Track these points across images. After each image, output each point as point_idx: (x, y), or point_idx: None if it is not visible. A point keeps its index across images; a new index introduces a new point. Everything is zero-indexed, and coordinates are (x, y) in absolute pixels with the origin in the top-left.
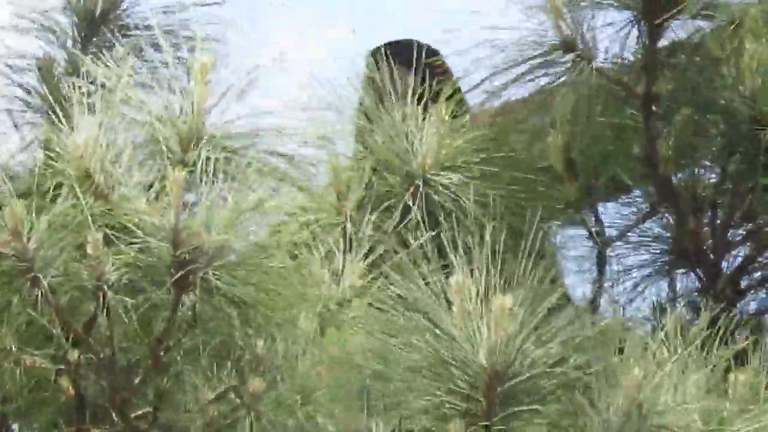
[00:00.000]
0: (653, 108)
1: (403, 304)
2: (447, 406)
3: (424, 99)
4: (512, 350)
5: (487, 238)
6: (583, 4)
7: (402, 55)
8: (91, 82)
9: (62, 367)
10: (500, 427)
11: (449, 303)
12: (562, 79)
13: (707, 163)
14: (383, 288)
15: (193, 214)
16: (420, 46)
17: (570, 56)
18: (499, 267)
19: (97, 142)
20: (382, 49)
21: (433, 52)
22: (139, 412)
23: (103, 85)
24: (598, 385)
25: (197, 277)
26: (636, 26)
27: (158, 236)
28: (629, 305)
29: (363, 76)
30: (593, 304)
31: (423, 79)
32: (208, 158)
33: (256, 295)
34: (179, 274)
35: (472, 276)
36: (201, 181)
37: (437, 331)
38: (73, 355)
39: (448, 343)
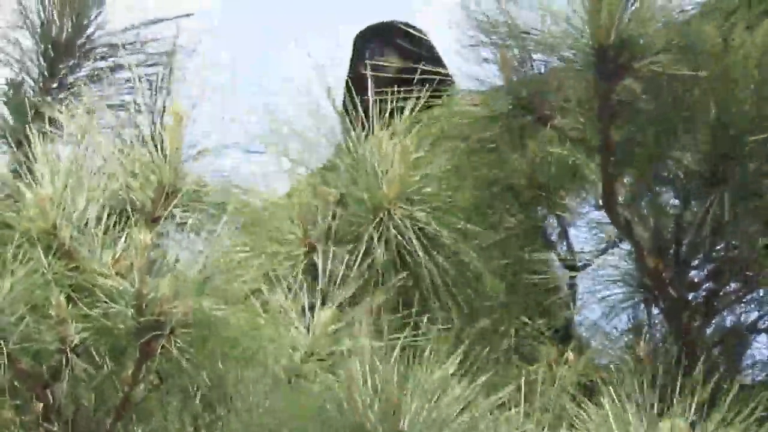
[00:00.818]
0: (609, 157)
1: None
2: None
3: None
4: None
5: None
6: (535, 57)
7: (388, 37)
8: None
9: (25, 417)
10: None
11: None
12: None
13: (667, 202)
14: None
15: (162, 274)
16: (406, 27)
17: (528, 117)
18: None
19: (63, 196)
20: (366, 33)
21: (419, 33)
22: None
23: (69, 132)
24: None
25: (159, 343)
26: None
27: (122, 302)
28: (604, 329)
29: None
30: (567, 331)
31: (407, 58)
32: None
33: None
34: (144, 339)
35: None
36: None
37: None
38: (37, 408)
39: None
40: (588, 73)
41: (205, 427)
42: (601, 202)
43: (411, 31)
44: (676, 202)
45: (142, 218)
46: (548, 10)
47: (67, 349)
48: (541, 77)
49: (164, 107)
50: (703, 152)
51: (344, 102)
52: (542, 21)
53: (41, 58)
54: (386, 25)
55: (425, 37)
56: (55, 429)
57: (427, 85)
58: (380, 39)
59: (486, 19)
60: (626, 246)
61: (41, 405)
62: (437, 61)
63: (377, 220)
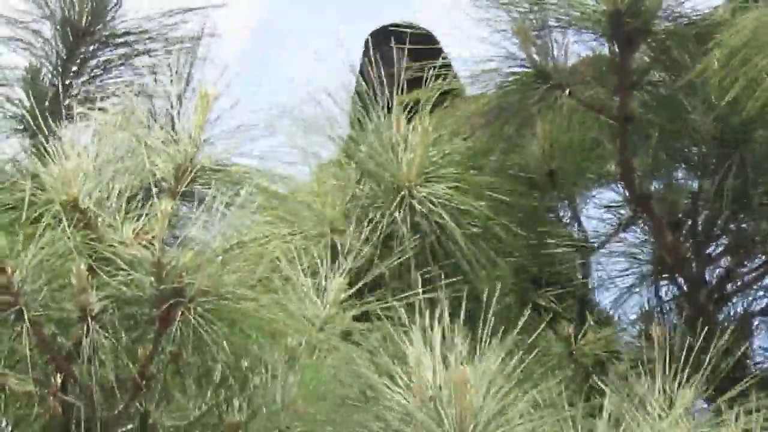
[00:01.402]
0: (627, 128)
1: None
2: None
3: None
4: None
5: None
6: (552, 24)
7: (398, 37)
8: (80, 103)
9: (47, 390)
10: None
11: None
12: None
13: (683, 178)
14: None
15: (184, 249)
16: (415, 28)
17: (544, 86)
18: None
19: (87, 170)
20: (380, 33)
21: (428, 35)
22: (123, 430)
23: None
24: None
25: (178, 312)
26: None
27: (141, 270)
28: (615, 313)
29: (354, 84)
30: (580, 314)
31: (417, 60)
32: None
33: (236, 330)
34: (161, 309)
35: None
36: (193, 212)
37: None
38: (57, 379)
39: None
40: (604, 40)
41: (223, 402)
42: (618, 176)
43: (418, 31)
44: (691, 177)
45: (165, 192)
46: None
47: (88, 318)
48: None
49: (185, 91)
50: (721, 116)
51: (355, 89)
52: None
53: (60, 44)
54: (396, 25)
55: (433, 37)
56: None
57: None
58: (390, 38)
59: None
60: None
61: (61, 376)
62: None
63: (399, 198)
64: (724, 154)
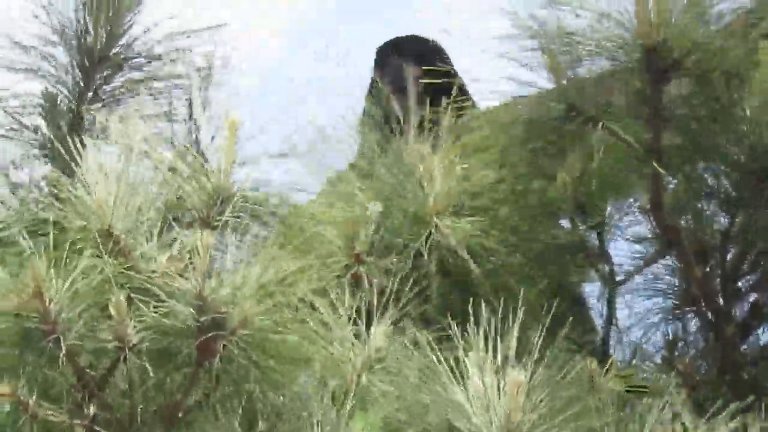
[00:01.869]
0: (659, 159)
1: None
2: None
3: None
4: (525, 425)
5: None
6: (583, 56)
7: (408, 51)
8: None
9: (79, 421)
10: None
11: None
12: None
13: (714, 211)
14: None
15: (220, 281)
16: (425, 42)
17: (577, 120)
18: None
19: (117, 198)
20: (388, 48)
21: (437, 49)
22: None
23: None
24: None
25: (220, 345)
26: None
27: (183, 301)
28: (640, 346)
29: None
30: (603, 346)
31: (428, 75)
32: (234, 219)
33: (275, 363)
34: (202, 340)
35: (487, 347)
36: (226, 242)
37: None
38: (89, 410)
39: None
40: (638, 74)
41: None
42: (647, 207)
43: (428, 45)
44: (721, 211)
45: (197, 222)
46: (596, 10)
47: (126, 349)
48: (592, 80)
49: (203, 116)
50: (752, 148)
51: (365, 110)
52: (590, 22)
53: (76, 69)
54: (405, 39)
55: (442, 50)
56: None
57: (444, 96)
58: (399, 53)
59: (535, 24)
60: (666, 262)
61: (94, 406)
62: (453, 74)
63: (426, 232)
64: (757, 189)
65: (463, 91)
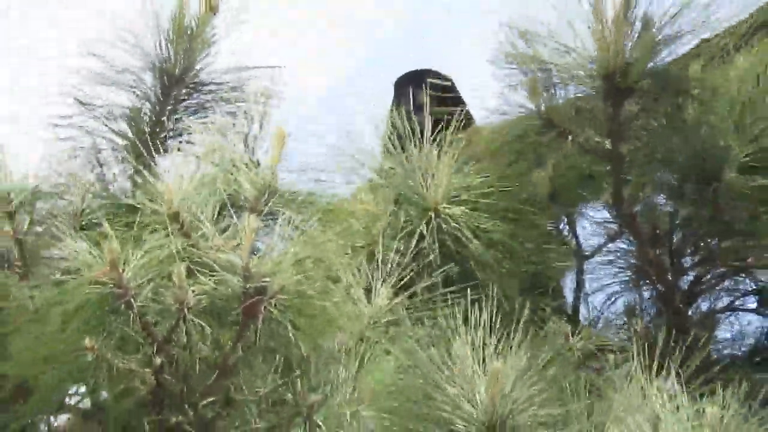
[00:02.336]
0: (617, 164)
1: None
2: None
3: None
4: (506, 408)
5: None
6: (556, 81)
7: (422, 83)
8: (173, 137)
9: (147, 369)
10: None
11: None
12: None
13: (663, 203)
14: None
15: (263, 256)
16: (437, 75)
17: (552, 133)
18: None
19: (185, 189)
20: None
21: (448, 81)
22: (204, 402)
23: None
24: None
25: (261, 307)
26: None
27: (232, 272)
28: (605, 312)
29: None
30: (574, 311)
31: (439, 103)
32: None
33: (305, 322)
34: (247, 303)
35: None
36: (270, 227)
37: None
38: (156, 360)
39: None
40: (599, 96)
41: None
42: (610, 202)
43: (439, 78)
44: (669, 203)
45: (247, 210)
46: (567, 46)
47: (185, 310)
48: (565, 102)
49: (260, 131)
50: (693, 154)
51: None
52: (561, 55)
53: (158, 89)
54: (420, 72)
55: (452, 82)
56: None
57: (452, 118)
58: (414, 84)
59: (518, 56)
60: (622, 243)
61: (161, 359)
62: (459, 99)
63: (427, 217)
64: (696, 186)
65: (467, 113)
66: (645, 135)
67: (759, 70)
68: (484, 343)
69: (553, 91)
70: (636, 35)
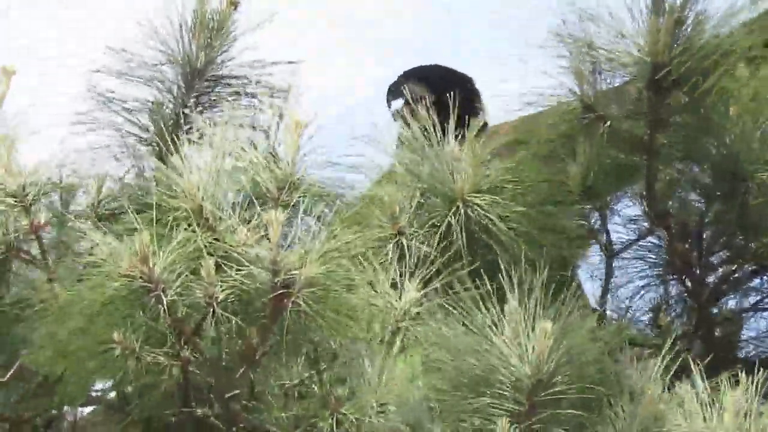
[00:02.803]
0: (653, 157)
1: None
2: (494, 408)
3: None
4: (551, 365)
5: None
6: (604, 68)
7: (439, 80)
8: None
9: (175, 362)
10: (538, 426)
11: (498, 326)
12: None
13: (695, 199)
14: (443, 310)
15: (290, 249)
16: (456, 72)
17: (589, 116)
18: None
19: (208, 183)
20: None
21: (468, 79)
22: (230, 395)
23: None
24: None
25: (290, 300)
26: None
27: (259, 265)
28: (631, 306)
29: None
30: (602, 306)
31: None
32: (298, 201)
33: (333, 315)
34: (275, 295)
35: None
36: (293, 219)
37: (489, 348)
38: (185, 353)
39: (500, 358)
40: (645, 86)
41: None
42: (642, 193)
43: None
44: (701, 200)
45: (270, 203)
46: (618, 30)
47: (214, 304)
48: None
49: (277, 124)
50: (728, 153)
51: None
52: (613, 40)
53: (180, 83)
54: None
55: (471, 80)
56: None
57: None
58: (419, 79)
59: (569, 37)
60: (652, 239)
61: (189, 350)
62: (473, 94)
63: (454, 207)
64: (729, 185)
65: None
66: (682, 130)
67: None
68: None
69: (598, 77)
70: (689, 30)
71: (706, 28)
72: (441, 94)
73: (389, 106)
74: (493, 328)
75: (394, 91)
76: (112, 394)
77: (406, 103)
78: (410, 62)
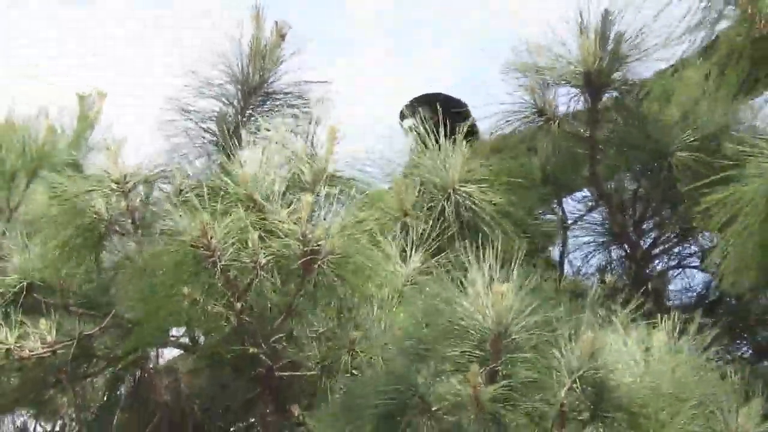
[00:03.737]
0: (594, 148)
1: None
2: (467, 355)
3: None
4: (509, 320)
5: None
6: (548, 81)
7: (437, 104)
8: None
9: (230, 312)
10: (500, 368)
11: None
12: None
13: (629, 178)
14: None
15: (316, 225)
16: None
17: (542, 119)
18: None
19: (257, 175)
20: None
21: (461, 104)
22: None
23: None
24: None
25: (315, 265)
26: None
27: (293, 237)
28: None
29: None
30: (560, 267)
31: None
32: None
33: (351, 276)
34: (304, 261)
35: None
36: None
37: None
38: (237, 305)
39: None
40: (582, 91)
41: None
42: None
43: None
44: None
45: (306, 190)
46: (558, 54)
47: (258, 268)
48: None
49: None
50: (651, 139)
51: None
52: (553, 62)
53: (239, 96)
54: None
55: (462, 102)
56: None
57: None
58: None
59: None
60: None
61: (240, 304)
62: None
63: (446, 194)
64: (654, 166)
65: (474, 126)
66: (615, 126)
67: (700, 80)
68: (491, 276)
69: (545, 89)
70: (611, 46)
71: (624, 45)
72: (444, 114)
73: (401, 124)
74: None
75: (405, 112)
76: (185, 339)
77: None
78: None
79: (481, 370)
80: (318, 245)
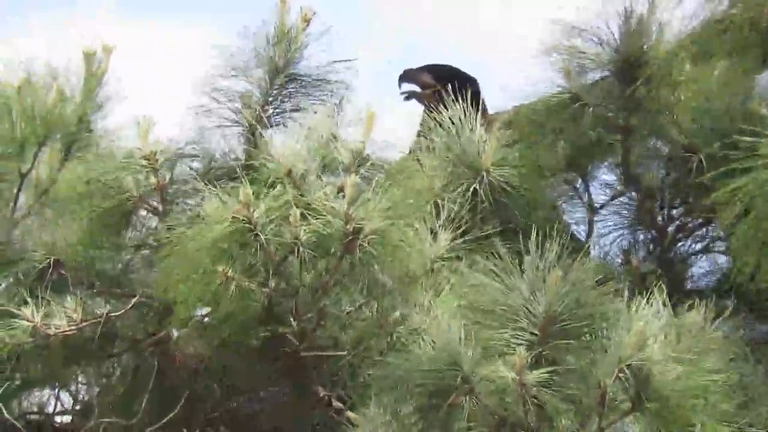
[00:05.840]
0: (626, 135)
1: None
2: (516, 338)
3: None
4: (559, 305)
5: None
6: (587, 65)
7: (450, 76)
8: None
9: (265, 289)
10: (548, 352)
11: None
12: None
13: (657, 166)
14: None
15: (358, 205)
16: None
17: (577, 105)
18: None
19: (295, 152)
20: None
21: (472, 80)
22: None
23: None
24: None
25: (356, 243)
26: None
27: (334, 216)
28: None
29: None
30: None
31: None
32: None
33: (388, 255)
34: (347, 240)
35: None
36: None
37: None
38: (272, 283)
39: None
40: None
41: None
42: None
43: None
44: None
45: (346, 171)
46: (599, 39)
47: (299, 244)
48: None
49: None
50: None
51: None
52: (594, 46)
53: (266, 79)
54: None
55: (472, 77)
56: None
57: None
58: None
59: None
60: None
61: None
62: (478, 90)
63: (480, 176)
64: (682, 155)
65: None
66: (647, 114)
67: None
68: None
69: (582, 74)
70: (654, 35)
71: (666, 35)
72: (446, 86)
73: (399, 86)
74: (515, 275)
75: (405, 77)
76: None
77: (419, 88)
78: None
79: (527, 354)
80: (360, 224)
